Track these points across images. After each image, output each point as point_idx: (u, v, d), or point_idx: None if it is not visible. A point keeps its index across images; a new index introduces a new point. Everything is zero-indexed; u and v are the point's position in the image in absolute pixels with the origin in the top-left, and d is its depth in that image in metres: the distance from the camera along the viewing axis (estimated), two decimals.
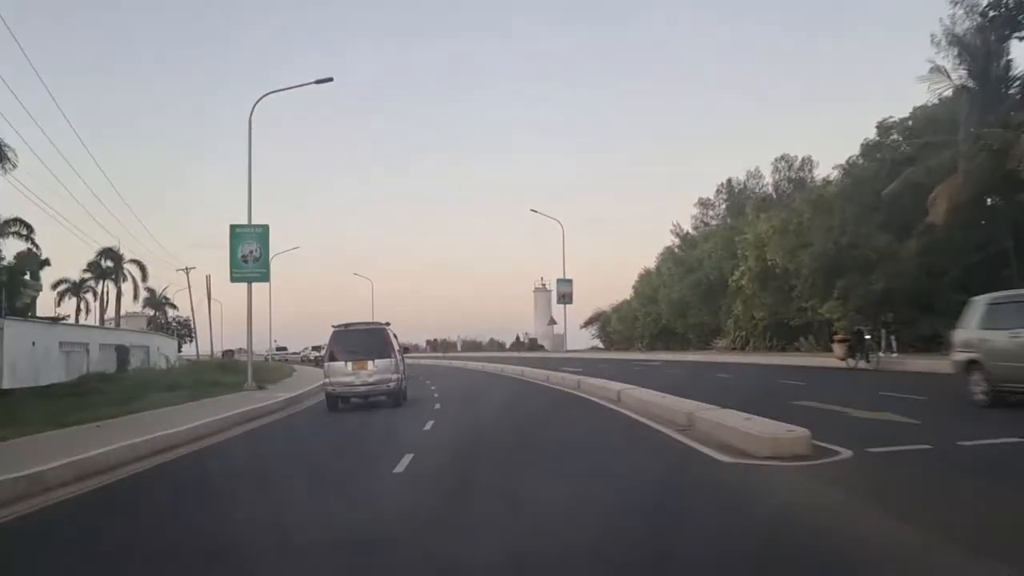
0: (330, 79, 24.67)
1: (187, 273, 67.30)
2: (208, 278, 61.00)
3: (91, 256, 58.24)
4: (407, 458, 8.60)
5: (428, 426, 12.45)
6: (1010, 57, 25.51)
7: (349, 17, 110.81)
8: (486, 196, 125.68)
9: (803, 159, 54.12)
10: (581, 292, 66.42)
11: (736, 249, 38.93)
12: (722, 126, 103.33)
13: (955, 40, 26.54)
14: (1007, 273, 23.29)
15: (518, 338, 74.53)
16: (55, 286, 57.77)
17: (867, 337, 19.80)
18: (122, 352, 32.18)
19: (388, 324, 18.69)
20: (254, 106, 24.22)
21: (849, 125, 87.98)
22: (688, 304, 47.37)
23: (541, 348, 69.05)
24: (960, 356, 11.27)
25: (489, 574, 4.34)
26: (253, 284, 24.42)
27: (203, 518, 6.35)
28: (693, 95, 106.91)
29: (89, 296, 61.37)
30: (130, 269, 61.19)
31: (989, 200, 27.08)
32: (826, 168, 51.21)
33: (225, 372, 30.88)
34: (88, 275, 60.51)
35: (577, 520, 5.46)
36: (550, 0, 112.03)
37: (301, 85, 25.22)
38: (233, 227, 24.01)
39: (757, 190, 57.74)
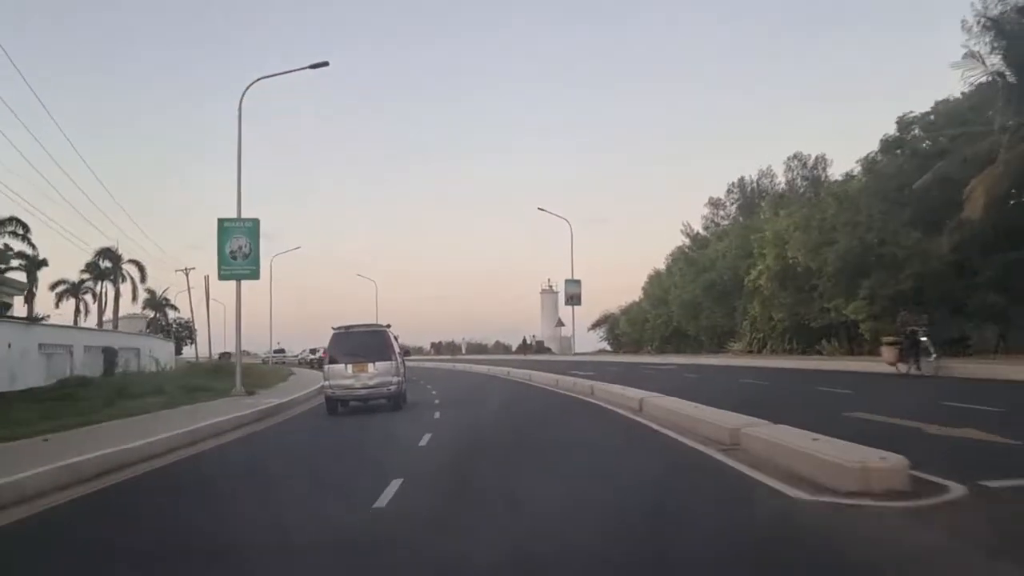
0: (325, 63, 23.14)
1: (187, 274, 65.96)
2: (207, 279, 59.48)
3: (89, 257, 57.25)
4: (394, 485, 7.00)
5: (424, 440, 10.80)
6: None
7: (349, 17, 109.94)
8: (489, 197, 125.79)
9: (817, 157, 53.04)
10: (586, 294, 65.22)
11: (752, 248, 37.22)
12: (723, 126, 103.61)
13: (991, 24, 24.90)
14: None
15: (525, 340, 72.83)
16: (53, 287, 56.75)
17: (923, 339, 17.77)
18: (109, 354, 30.69)
19: (389, 326, 18.19)
20: (244, 92, 22.81)
21: (850, 125, 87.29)
22: (701, 305, 45.68)
23: (548, 351, 67.41)
24: None
25: None
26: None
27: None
28: (693, 95, 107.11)
29: (88, 298, 60.27)
30: (128, 270, 60.05)
31: None
32: (840, 166, 50.00)
33: (217, 376, 29.38)
34: (87, 276, 59.38)
35: None
36: (550, 0, 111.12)
37: (295, 70, 23.73)
38: (221, 221, 22.45)
39: (770, 189, 56.49)
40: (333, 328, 17.19)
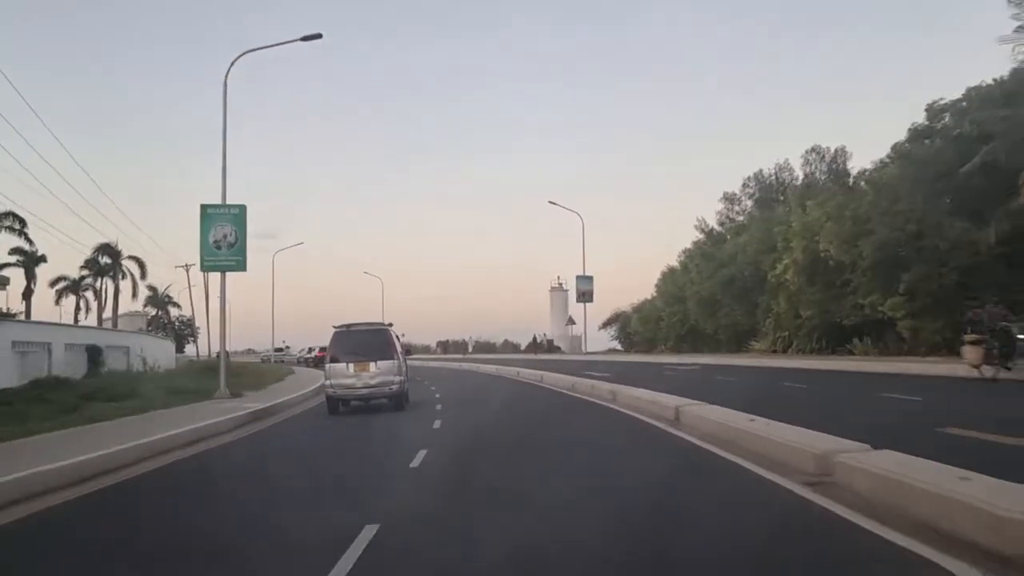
0: (318, 35, 21.17)
1: (187, 270, 64.32)
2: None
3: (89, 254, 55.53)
4: (367, 533, 5.02)
5: (417, 462, 8.77)
6: None
7: (349, 17, 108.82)
8: (490, 196, 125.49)
9: (836, 149, 50.96)
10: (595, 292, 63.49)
11: (776, 241, 35.06)
12: (723, 126, 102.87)
13: None
14: None
15: (535, 339, 70.55)
16: (53, 284, 55.23)
17: (1020, 336, 15.18)
18: (93, 353, 28.77)
19: (391, 325, 17.87)
20: (230, 67, 20.92)
21: (850, 125, 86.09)
22: (719, 302, 43.53)
23: (558, 350, 65.37)
24: None
25: None
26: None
27: None
28: (693, 95, 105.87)
29: (90, 295, 58.66)
30: (128, 266, 58.30)
31: None
32: (857, 160, 48.15)
33: (208, 376, 27.49)
34: (86, 273, 57.70)
35: None
36: (550, 0, 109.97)
37: (286, 42, 21.76)
38: (204, 207, 20.50)
39: (789, 182, 54.56)
40: (334, 327, 16.84)
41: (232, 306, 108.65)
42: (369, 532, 5.11)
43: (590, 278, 51.04)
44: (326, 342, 17.95)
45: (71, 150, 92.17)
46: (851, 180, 35.41)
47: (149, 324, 70.98)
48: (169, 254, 76.43)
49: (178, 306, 75.86)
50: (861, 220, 27.19)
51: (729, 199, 58.95)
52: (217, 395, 19.96)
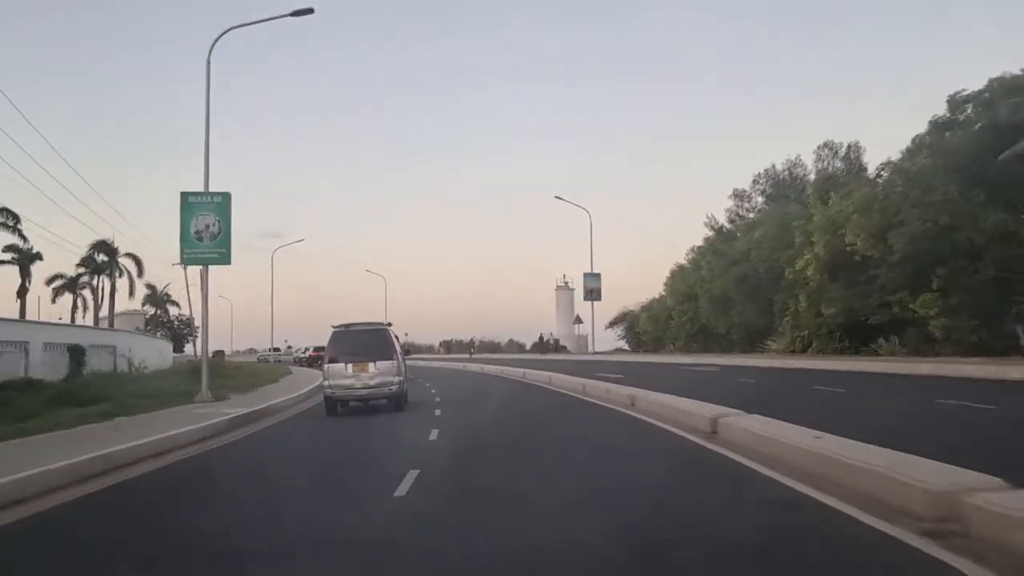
0: (310, 10, 19.60)
1: (184, 268, 62.73)
2: (203, 272, 56.29)
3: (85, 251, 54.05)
4: None
5: (403, 489, 7.07)
6: None
7: (349, 17, 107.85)
8: (490, 196, 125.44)
9: (850, 145, 49.61)
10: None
11: (793, 237, 33.35)
12: (723, 126, 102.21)
13: None
14: None
15: (542, 338, 68.80)
16: (49, 282, 53.84)
17: None
18: (76, 353, 27.21)
19: (390, 324, 17.61)
20: (213, 44, 19.40)
21: (850, 124, 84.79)
22: (731, 301, 41.80)
23: (564, 350, 63.75)
24: None
25: None
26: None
27: None
28: (693, 95, 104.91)
29: (87, 293, 57.25)
30: (125, 264, 56.80)
31: None
32: (874, 154, 46.78)
33: (198, 376, 25.86)
34: (83, 270, 56.27)
35: None
36: (550, 0, 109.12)
37: (275, 18, 20.28)
38: (184, 195, 18.95)
39: (802, 177, 53.20)
40: (333, 326, 16.59)
41: (234, 305, 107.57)
42: None
43: (598, 275, 49.40)
44: (324, 341, 17.40)
45: (70, 148, 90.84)
46: (874, 172, 33.65)
47: (148, 323, 69.74)
48: (169, 252, 75.33)
49: (177, 305, 74.54)
50: (890, 212, 25.51)
51: (739, 196, 57.64)
52: (198, 398, 18.42)
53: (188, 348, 72.46)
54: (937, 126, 28.60)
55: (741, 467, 7.27)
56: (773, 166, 55.21)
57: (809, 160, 51.83)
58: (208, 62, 19.10)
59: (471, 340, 76.54)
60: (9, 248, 44.87)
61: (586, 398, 17.17)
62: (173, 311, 75.72)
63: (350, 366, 15.87)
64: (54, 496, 7.38)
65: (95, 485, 8.10)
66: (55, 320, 42.04)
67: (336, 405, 16.09)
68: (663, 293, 56.59)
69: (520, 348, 76.49)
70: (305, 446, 11.87)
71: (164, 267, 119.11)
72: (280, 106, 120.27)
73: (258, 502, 6.92)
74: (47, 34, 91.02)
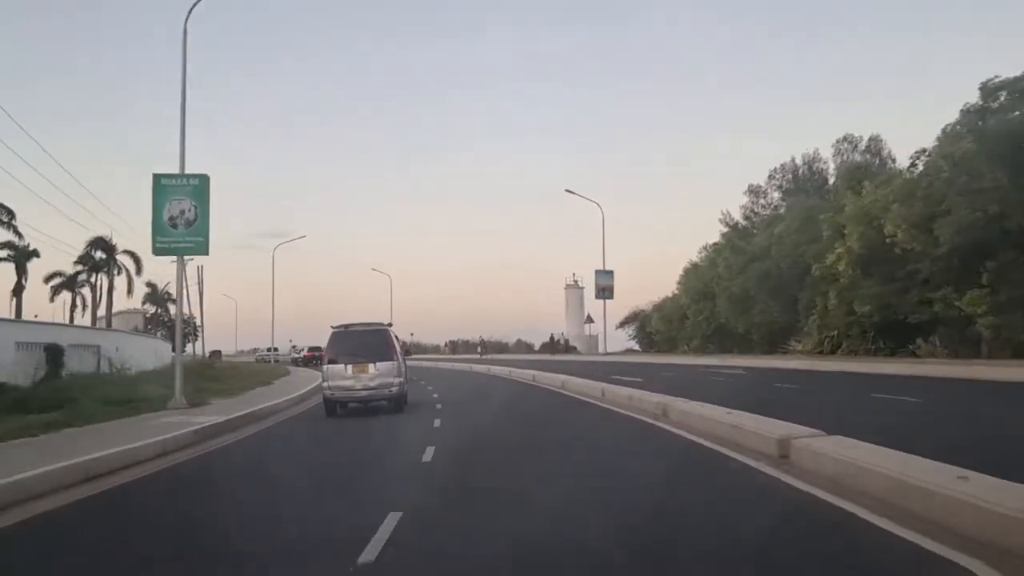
0: None
1: (183, 266, 61.17)
2: (200, 269, 54.72)
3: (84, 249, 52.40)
4: None
5: (382, 540, 5.15)
6: None
7: (349, 17, 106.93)
8: (493, 195, 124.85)
9: (870, 139, 47.77)
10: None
11: (821, 230, 31.24)
12: (722, 126, 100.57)
13: None
14: None
15: (552, 338, 66.61)
16: (48, 280, 52.38)
17: None
18: (54, 353, 25.37)
19: (390, 325, 17.39)
20: (190, 10, 17.44)
21: (850, 124, 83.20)
22: (752, 299, 39.65)
23: (574, 350, 61.69)
24: None
25: None
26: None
27: None
28: (693, 95, 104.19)
29: (86, 292, 55.69)
30: (124, 261, 55.11)
31: None
32: (895, 148, 45.24)
33: (188, 378, 23.93)
34: (80, 268, 54.66)
35: None
36: (550, 0, 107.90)
37: None
38: (157, 177, 17.01)
39: (822, 172, 51.48)
40: (332, 327, 16.42)
41: (238, 304, 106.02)
42: None
43: (610, 272, 47.45)
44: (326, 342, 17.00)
45: (71, 149, 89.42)
46: (908, 162, 31.52)
47: (148, 322, 68.19)
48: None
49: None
50: (934, 200, 23.41)
51: (754, 192, 55.85)
52: (171, 404, 16.50)
53: (189, 348, 71.01)
54: (969, 114, 26.69)
55: (845, 515, 5.23)
56: (792, 159, 53.37)
57: (827, 154, 50.16)
58: (184, 30, 17.26)
59: (480, 340, 73.98)
60: (4, 245, 43.39)
61: (606, 405, 15.13)
62: (173, 309, 74.29)
63: (350, 367, 15.69)
64: None
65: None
66: (31, 318, 39.96)
67: (335, 406, 15.95)
68: (676, 292, 54.60)
69: (528, 348, 74.46)
70: (280, 465, 9.88)
71: (165, 266, 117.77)
72: (280, 106, 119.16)
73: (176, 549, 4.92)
74: (47, 34, 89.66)
